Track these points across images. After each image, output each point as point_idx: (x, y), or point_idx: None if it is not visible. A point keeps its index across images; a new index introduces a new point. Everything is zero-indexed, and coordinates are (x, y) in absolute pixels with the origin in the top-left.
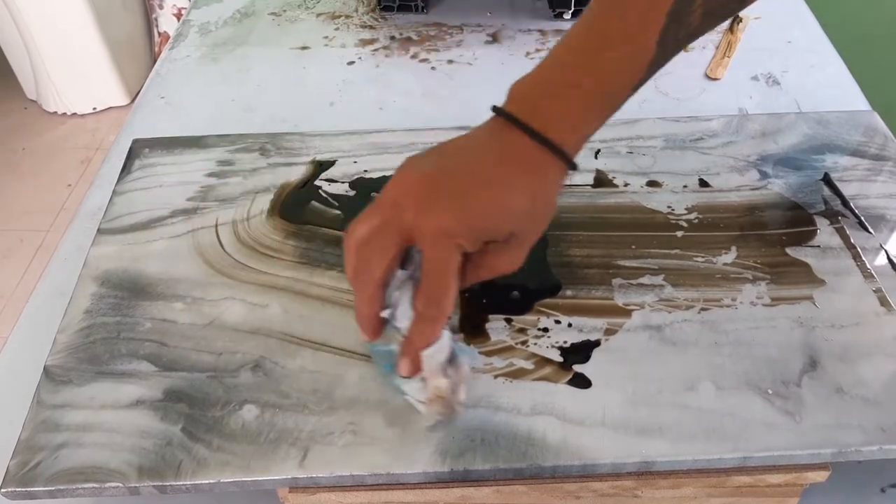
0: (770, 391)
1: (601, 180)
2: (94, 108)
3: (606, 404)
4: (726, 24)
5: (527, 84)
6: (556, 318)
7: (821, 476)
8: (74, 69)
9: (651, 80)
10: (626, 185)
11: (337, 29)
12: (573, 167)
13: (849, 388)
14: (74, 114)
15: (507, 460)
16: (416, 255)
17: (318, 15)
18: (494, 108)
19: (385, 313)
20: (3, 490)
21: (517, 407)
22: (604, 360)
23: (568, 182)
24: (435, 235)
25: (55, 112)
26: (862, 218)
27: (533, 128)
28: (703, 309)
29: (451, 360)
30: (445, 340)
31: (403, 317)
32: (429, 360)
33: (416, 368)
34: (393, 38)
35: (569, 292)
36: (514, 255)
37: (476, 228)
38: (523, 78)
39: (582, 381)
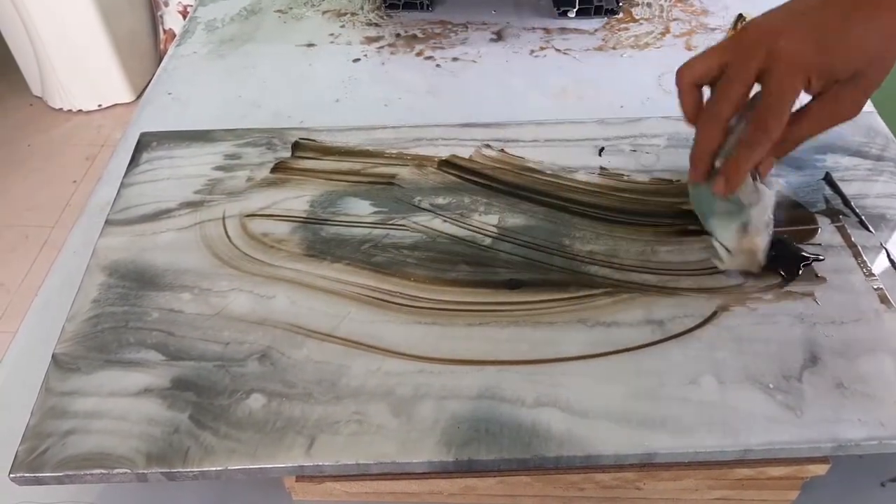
0: (771, 385)
1: (605, 178)
2: (100, 105)
3: (609, 396)
4: (730, 23)
5: None
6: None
7: (821, 469)
8: (80, 66)
9: (654, 77)
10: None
11: (342, 26)
12: None
13: (849, 384)
14: (80, 110)
15: (511, 451)
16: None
17: (324, 12)
18: None
19: None
20: (11, 475)
21: (521, 398)
22: (607, 354)
23: (571, 176)
24: (790, 62)
25: (60, 109)
26: (862, 217)
27: None
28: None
29: (768, 220)
30: (770, 200)
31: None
32: (757, 217)
33: (730, 188)
34: (398, 35)
35: (572, 286)
36: (855, 99)
37: (829, 62)
38: None
39: None
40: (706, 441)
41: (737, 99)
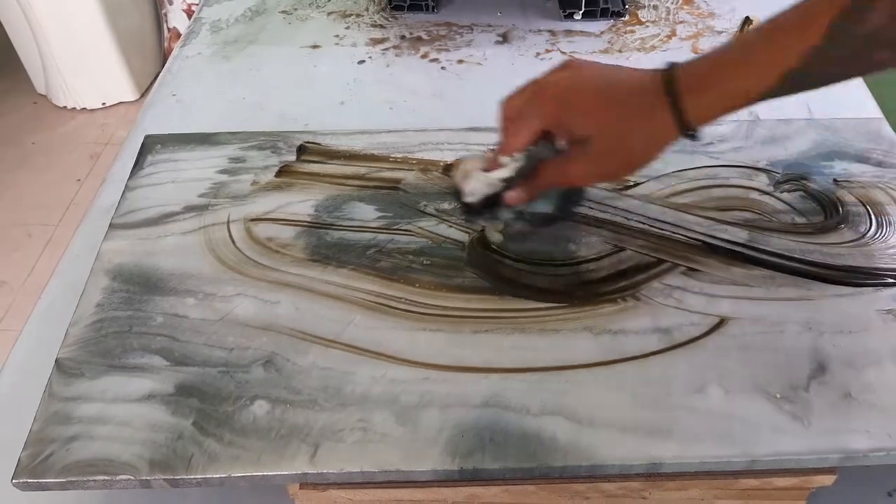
0: (778, 395)
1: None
2: (104, 104)
3: (615, 405)
4: (737, 26)
5: (702, 64)
6: None
7: (828, 480)
8: (84, 64)
9: None
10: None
11: (347, 28)
12: (692, 136)
13: (857, 394)
14: (84, 108)
15: (516, 460)
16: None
17: (329, 14)
18: (668, 67)
19: None
20: (14, 481)
21: (526, 407)
22: (613, 362)
23: None
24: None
25: (65, 107)
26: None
27: (680, 100)
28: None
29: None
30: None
31: None
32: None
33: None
34: (403, 37)
35: (578, 293)
36: (584, 167)
37: (564, 112)
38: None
39: None
40: (712, 451)
41: (525, 139)
